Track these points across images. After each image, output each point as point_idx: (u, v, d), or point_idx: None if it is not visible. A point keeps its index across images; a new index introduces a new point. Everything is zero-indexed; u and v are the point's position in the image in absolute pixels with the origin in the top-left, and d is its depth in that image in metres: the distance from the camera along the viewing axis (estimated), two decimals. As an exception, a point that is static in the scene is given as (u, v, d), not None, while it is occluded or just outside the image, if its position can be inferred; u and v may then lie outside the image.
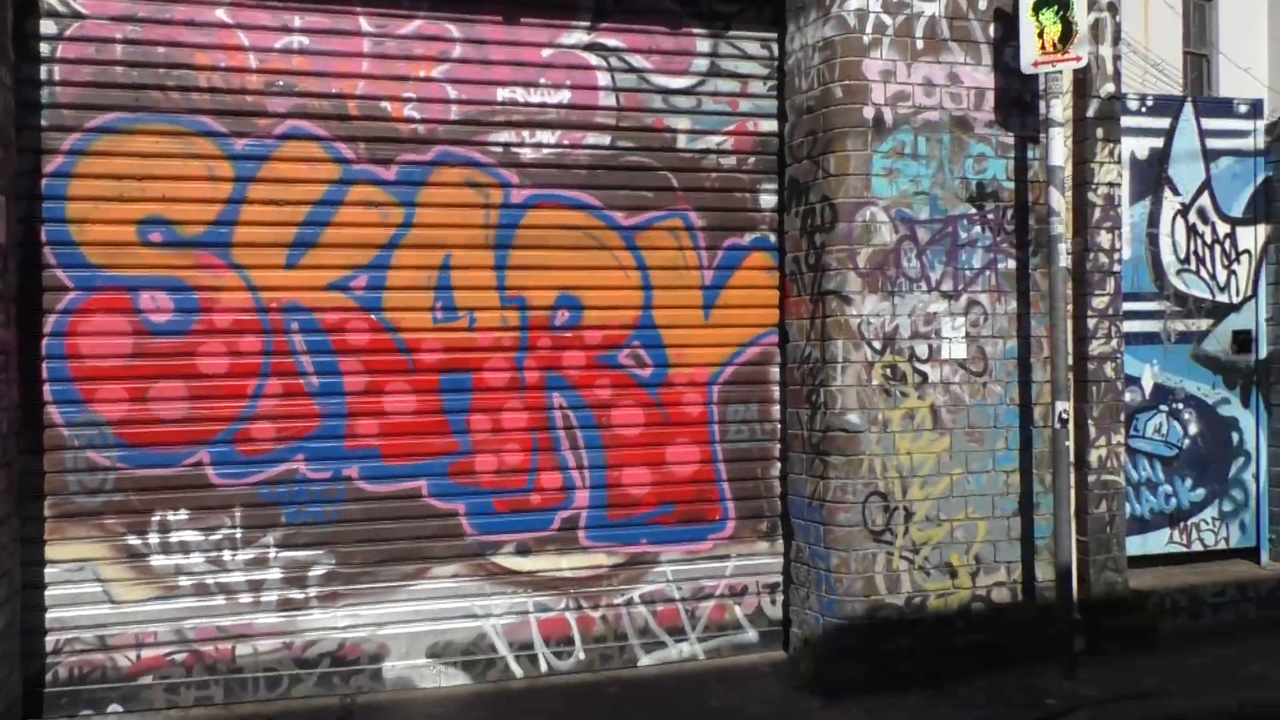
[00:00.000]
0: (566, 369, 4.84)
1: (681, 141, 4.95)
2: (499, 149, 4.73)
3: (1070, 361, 4.93)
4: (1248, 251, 5.58)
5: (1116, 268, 5.05)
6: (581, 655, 4.83)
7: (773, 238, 5.09)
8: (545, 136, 4.78)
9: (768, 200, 5.08)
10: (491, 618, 4.73)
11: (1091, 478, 5.01)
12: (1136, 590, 5.14)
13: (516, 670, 4.75)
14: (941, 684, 4.63)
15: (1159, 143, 5.43)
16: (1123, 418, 5.10)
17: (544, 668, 4.79)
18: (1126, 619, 5.06)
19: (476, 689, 4.65)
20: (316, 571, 4.53)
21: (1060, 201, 4.63)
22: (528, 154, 4.76)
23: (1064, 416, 4.60)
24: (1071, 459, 4.96)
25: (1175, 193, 5.46)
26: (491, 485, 4.76)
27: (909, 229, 4.74)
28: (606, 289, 4.88)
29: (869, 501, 4.69)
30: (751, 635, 5.07)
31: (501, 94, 4.70)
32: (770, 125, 5.06)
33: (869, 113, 4.66)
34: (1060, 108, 4.68)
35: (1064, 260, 4.65)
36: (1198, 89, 6.84)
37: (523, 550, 4.79)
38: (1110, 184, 5.02)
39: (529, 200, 4.77)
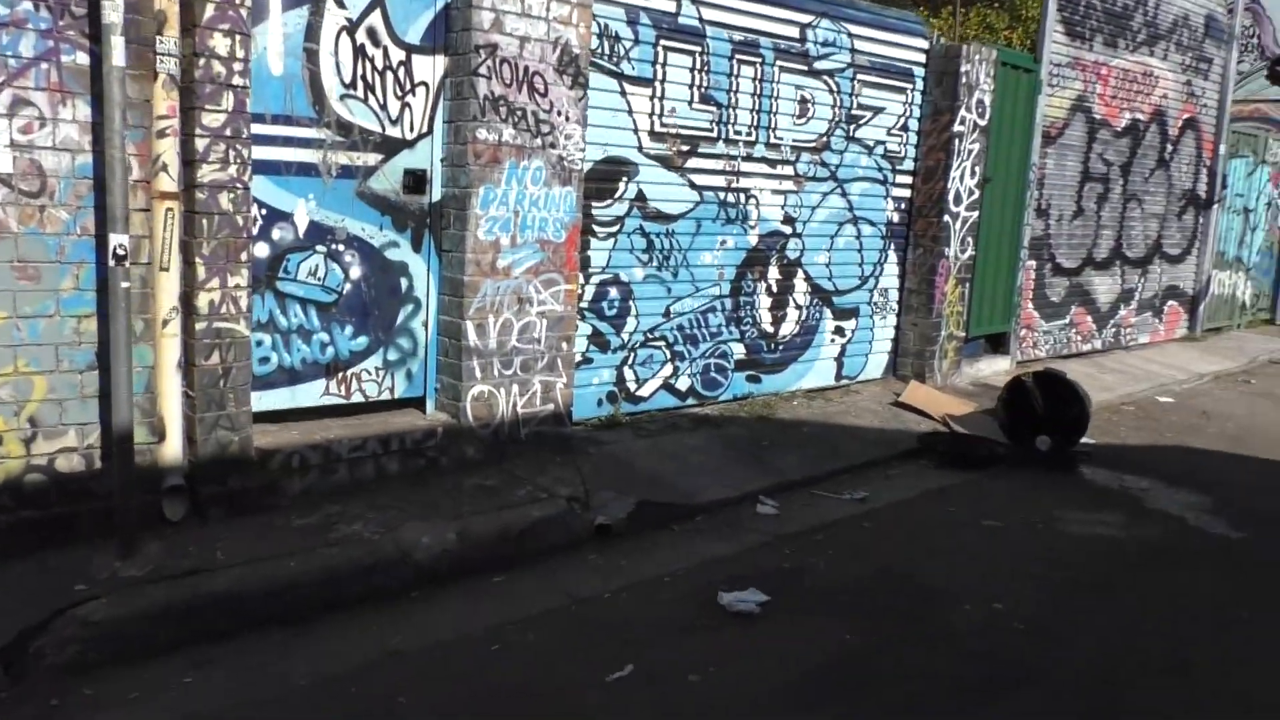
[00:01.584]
0: None
1: None
2: None
3: (176, 189, 4.17)
4: (425, 84, 5.16)
5: (239, 80, 4.31)
6: None
7: None
8: None
9: None
10: None
11: (201, 325, 4.35)
12: (261, 449, 4.65)
13: None
14: (-38, 577, 3.76)
15: (322, -57, 4.73)
16: (247, 257, 4.47)
17: None
18: (244, 481, 4.56)
19: None
20: None
21: (120, -17, 3.71)
22: None
23: (120, 251, 3.80)
24: (176, 303, 4.26)
25: (340, 5, 4.81)
26: None
27: (-91, -11, 3.53)
28: None
29: None
30: None
31: None
32: None
33: None
34: None
35: (121, 57, 3.75)
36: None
37: None
38: (229, -23, 4.21)
39: None
